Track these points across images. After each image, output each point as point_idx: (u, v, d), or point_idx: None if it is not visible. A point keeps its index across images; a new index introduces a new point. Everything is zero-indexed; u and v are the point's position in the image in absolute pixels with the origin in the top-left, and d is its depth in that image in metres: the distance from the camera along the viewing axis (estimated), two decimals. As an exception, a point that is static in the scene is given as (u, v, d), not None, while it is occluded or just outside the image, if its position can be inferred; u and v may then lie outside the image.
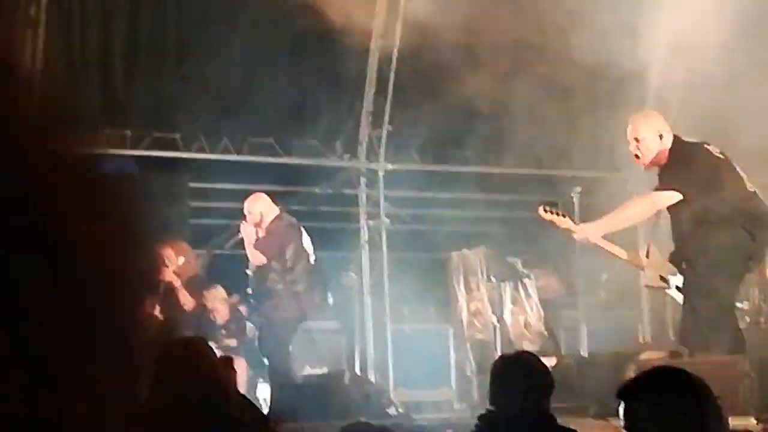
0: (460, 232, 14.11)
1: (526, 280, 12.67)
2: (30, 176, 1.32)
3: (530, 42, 12.09)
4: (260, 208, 10.86)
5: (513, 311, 12.47)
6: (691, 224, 7.84)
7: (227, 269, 11.55)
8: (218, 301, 11.71)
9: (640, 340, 13.58)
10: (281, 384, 10.59)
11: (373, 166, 13.54)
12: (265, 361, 10.85)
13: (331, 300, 13.87)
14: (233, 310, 11.82)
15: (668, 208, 8.01)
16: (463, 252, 13.00)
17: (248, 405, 4.84)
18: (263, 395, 11.12)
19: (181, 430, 4.39)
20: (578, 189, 9.79)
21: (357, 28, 12.39)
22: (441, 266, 13.30)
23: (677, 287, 8.01)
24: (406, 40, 12.62)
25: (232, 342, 11.55)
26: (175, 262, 10.92)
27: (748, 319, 9.69)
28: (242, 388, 9.23)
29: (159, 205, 11.75)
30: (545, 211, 8.16)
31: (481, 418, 4.83)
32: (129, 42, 12.35)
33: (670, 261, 8.04)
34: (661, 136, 7.97)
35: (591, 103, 12.65)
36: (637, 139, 8.01)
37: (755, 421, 6.85)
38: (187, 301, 10.88)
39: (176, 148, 12.58)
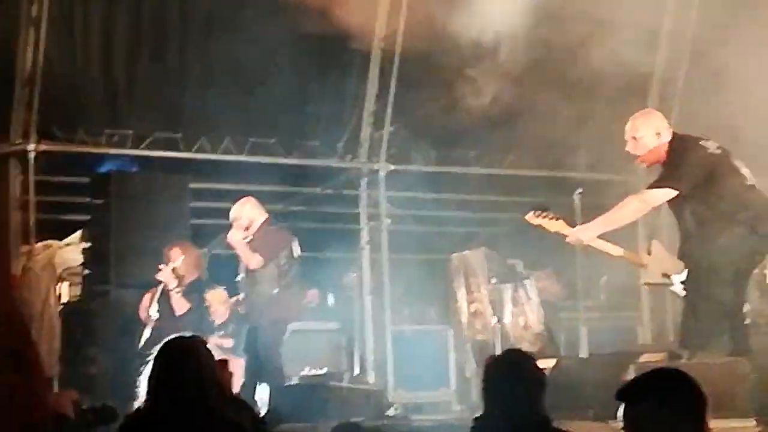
0: (461, 234, 14.12)
1: (526, 282, 12.66)
2: None
3: (534, 43, 12.09)
4: (248, 213, 10.80)
5: (513, 312, 12.47)
6: (693, 222, 7.85)
7: (227, 269, 11.53)
8: (218, 301, 11.70)
9: (640, 342, 13.59)
10: (280, 385, 10.59)
11: (374, 166, 13.55)
12: (257, 362, 10.77)
13: (331, 300, 13.89)
14: (232, 310, 11.81)
15: (670, 206, 8.02)
16: (464, 253, 13.00)
17: (244, 406, 4.84)
18: (262, 396, 11.11)
19: (178, 430, 4.39)
20: (579, 191, 9.80)
21: (360, 29, 12.40)
22: (441, 267, 13.29)
23: (682, 282, 8.00)
24: (409, 41, 12.63)
25: (229, 342, 11.54)
26: (176, 262, 10.90)
27: (748, 321, 9.67)
28: (237, 389, 9.21)
29: (161, 205, 11.82)
30: (535, 215, 8.17)
31: (476, 419, 4.82)
32: (131, 41, 12.35)
33: (679, 257, 8.03)
34: (659, 134, 7.98)
35: (596, 104, 12.65)
36: (634, 138, 8.02)
37: (755, 423, 6.85)
38: (180, 305, 10.86)
39: (178, 149, 12.59)
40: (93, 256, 11.79)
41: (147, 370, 4.50)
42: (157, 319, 10.89)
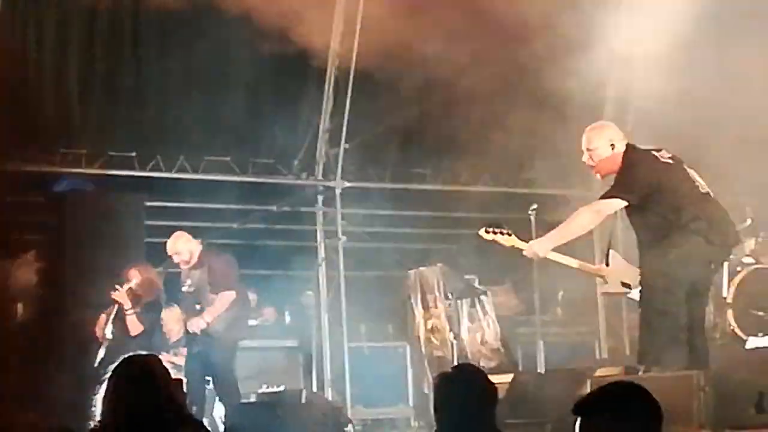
0: (418, 250, 14.14)
1: (483, 297, 12.70)
2: None
3: (487, 59, 12.12)
4: (186, 246, 10.77)
5: (470, 328, 12.50)
6: (648, 233, 7.87)
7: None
8: (173, 320, 11.64)
9: (597, 357, 13.64)
10: (236, 403, 10.53)
11: (330, 183, 13.55)
12: (210, 381, 10.71)
13: (288, 318, 13.86)
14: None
15: (628, 218, 8.05)
16: (421, 269, 13.02)
17: (200, 426, 4.82)
18: (219, 414, 11.06)
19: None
20: (534, 207, 9.89)
21: (315, 48, 12.41)
22: (398, 284, 13.31)
23: (640, 291, 8.03)
24: (364, 60, 12.64)
25: (182, 360, 11.48)
26: (131, 283, 10.87)
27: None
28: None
29: (116, 224, 11.74)
30: (487, 232, 8.19)
31: (431, 435, 4.82)
32: (84, 60, 12.30)
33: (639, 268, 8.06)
34: (612, 145, 8.02)
35: (552, 120, 12.69)
36: (589, 149, 8.07)
37: (710, 435, 6.89)
38: (134, 326, 10.82)
39: (133, 167, 12.54)
40: (47, 275, 11.70)
41: (102, 390, 4.48)
42: (112, 339, 10.85)
